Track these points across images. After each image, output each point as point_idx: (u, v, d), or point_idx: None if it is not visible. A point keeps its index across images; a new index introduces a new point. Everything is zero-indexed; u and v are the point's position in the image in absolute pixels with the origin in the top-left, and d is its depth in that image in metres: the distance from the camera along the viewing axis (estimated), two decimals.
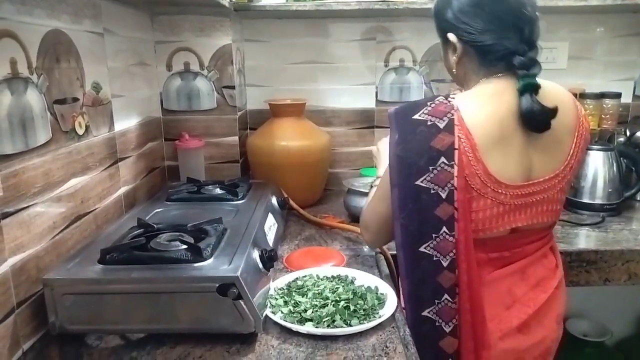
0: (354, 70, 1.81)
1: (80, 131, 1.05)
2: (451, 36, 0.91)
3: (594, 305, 1.88)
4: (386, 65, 1.81)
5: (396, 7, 1.55)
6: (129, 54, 1.36)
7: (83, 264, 0.89)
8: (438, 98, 0.87)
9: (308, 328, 0.85)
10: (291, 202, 1.46)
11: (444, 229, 0.84)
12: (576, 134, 0.92)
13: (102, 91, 1.16)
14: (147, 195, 1.42)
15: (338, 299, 0.92)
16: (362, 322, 0.86)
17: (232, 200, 1.27)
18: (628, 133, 1.66)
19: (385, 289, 0.98)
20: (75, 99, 1.03)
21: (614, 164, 1.50)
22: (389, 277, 1.10)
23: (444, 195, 0.83)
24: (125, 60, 1.32)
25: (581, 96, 1.71)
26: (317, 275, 1.03)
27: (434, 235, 0.85)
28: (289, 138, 1.54)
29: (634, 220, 1.48)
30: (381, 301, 0.94)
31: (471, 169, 0.83)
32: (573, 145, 0.92)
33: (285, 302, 0.93)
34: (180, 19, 1.52)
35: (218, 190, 1.34)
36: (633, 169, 1.56)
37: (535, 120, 0.85)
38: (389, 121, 0.90)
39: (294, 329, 0.85)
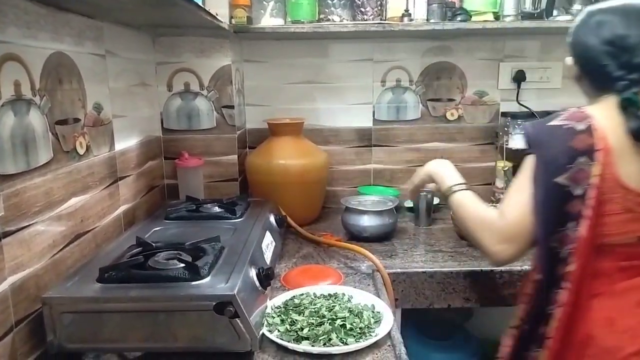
0: (352, 90, 1.84)
1: (81, 151, 1.07)
2: (568, 59, 1.00)
3: None
4: (383, 85, 1.84)
5: (392, 29, 1.58)
6: (130, 75, 1.38)
7: (82, 282, 0.90)
8: (570, 108, 0.94)
9: (304, 346, 0.85)
10: (289, 220, 1.47)
11: (571, 224, 0.88)
12: None
13: (103, 111, 1.18)
14: (147, 213, 1.43)
15: (334, 317, 0.92)
16: (358, 340, 0.87)
17: (230, 219, 1.29)
18: None
19: (382, 307, 0.99)
20: (77, 120, 1.05)
21: None
22: (385, 296, 1.11)
23: (577, 193, 0.87)
24: (126, 81, 1.35)
25: None
26: (314, 293, 1.04)
27: (560, 229, 0.89)
28: (288, 157, 1.56)
29: None
30: (377, 319, 0.94)
31: (604, 172, 0.87)
32: None
33: (282, 321, 0.93)
34: (181, 41, 1.56)
35: (216, 209, 1.35)
36: None
37: None
38: (524, 133, 0.96)
39: (290, 348, 0.86)
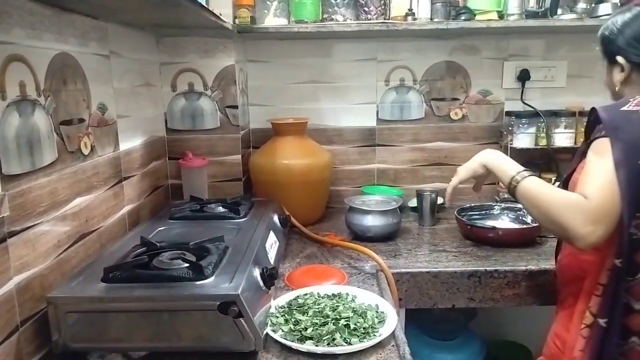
0: (355, 90, 1.83)
1: (86, 151, 1.07)
2: (620, 59, 1.02)
3: None
4: (387, 85, 1.83)
5: (396, 28, 1.58)
6: (135, 75, 1.39)
7: (86, 282, 0.90)
8: (638, 97, 0.95)
9: (308, 346, 0.85)
10: (293, 220, 1.47)
11: None
12: None
13: (107, 112, 1.19)
14: (151, 213, 1.43)
15: (338, 317, 0.92)
16: (362, 340, 0.87)
17: (234, 219, 1.29)
18: None
19: (386, 307, 0.98)
20: (81, 120, 1.06)
21: None
22: (389, 295, 1.10)
23: None
24: (130, 81, 1.35)
25: (580, 114, 1.73)
26: (317, 293, 1.04)
27: (637, 214, 0.89)
28: (291, 156, 1.56)
29: None
30: (381, 319, 0.94)
31: None
32: None
33: (286, 321, 0.93)
34: (184, 41, 1.56)
35: (220, 209, 1.35)
36: None
37: None
38: (594, 117, 0.95)
39: (294, 347, 0.86)
